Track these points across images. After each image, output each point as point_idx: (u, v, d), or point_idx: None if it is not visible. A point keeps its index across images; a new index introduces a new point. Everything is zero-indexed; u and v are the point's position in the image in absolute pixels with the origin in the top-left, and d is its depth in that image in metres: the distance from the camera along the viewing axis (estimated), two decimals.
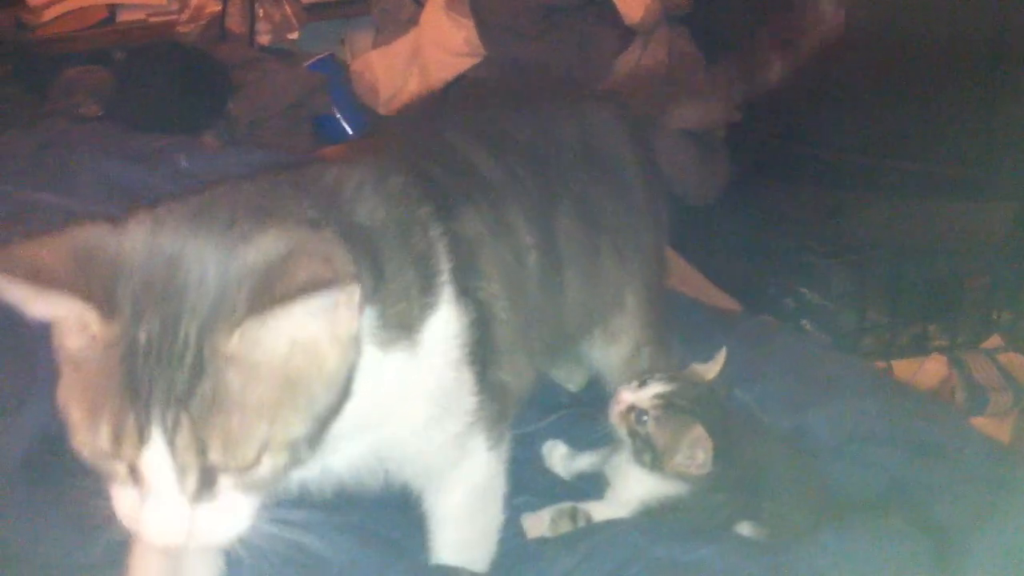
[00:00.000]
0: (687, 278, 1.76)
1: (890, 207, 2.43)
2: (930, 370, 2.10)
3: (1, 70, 2.42)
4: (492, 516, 1.11)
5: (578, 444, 1.34)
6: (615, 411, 1.22)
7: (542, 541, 1.18)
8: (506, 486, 1.10)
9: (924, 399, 1.41)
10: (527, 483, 1.25)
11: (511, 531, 1.16)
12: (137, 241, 0.75)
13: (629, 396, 1.21)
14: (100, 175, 1.45)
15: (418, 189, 0.95)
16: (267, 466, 0.74)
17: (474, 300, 0.97)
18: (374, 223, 0.88)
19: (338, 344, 0.77)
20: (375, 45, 2.82)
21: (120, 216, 0.77)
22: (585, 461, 1.33)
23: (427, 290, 0.91)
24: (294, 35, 2.81)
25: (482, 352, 0.98)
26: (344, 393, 0.79)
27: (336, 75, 2.74)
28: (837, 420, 1.27)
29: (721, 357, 1.25)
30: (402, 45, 2.72)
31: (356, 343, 0.79)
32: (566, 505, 1.22)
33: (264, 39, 2.78)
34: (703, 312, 1.52)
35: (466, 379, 0.97)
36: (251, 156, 1.46)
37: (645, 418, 1.19)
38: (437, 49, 2.62)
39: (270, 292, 0.71)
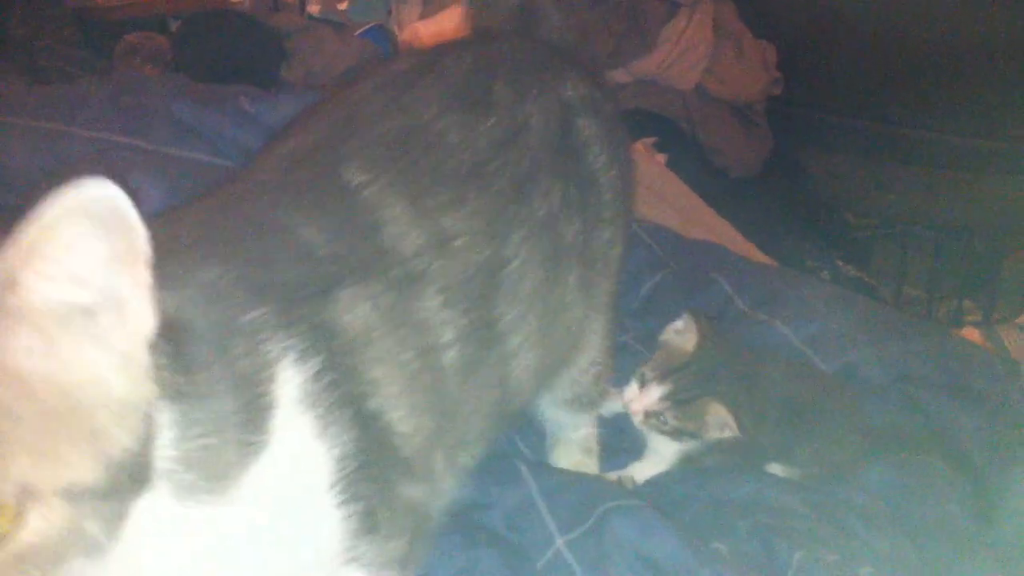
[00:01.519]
0: (733, 241, 1.80)
1: (931, 181, 2.44)
2: None
3: (67, 32, 2.50)
4: None
5: (618, 383, 1.31)
6: (636, 420, 1.23)
7: None
8: None
9: (969, 346, 1.43)
10: None
11: None
12: None
13: (639, 406, 1.21)
14: (172, 118, 1.52)
15: (244, 286, 0.70)
16: (36, 527, 0.52)
17: (357, 415, 0.74)
18: (186, 320, 0.65)
19: (124, 371, 0.57)
20: (422, 16, 2.86)
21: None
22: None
23: (252, 427, 0.67)
24: (343, 5, 2.88)
25: (369, 482, 0.74)
26: (142, 440, 0.58)
27: (385, 45, 2.78)
28: (885, 360, 1.29)
29: (690, 322, 1.22)
30: (450, 16, 2.76)
31: (148, 376, 0.59)
32: (611, 475, 1.23)
33: (314, 8, 2.85)
34: (750, 264, 1.55)
35: (335, 526, 0.73)
36: (307, 98, 1.50)
37: (664, 418, 1.20)
38: None
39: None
